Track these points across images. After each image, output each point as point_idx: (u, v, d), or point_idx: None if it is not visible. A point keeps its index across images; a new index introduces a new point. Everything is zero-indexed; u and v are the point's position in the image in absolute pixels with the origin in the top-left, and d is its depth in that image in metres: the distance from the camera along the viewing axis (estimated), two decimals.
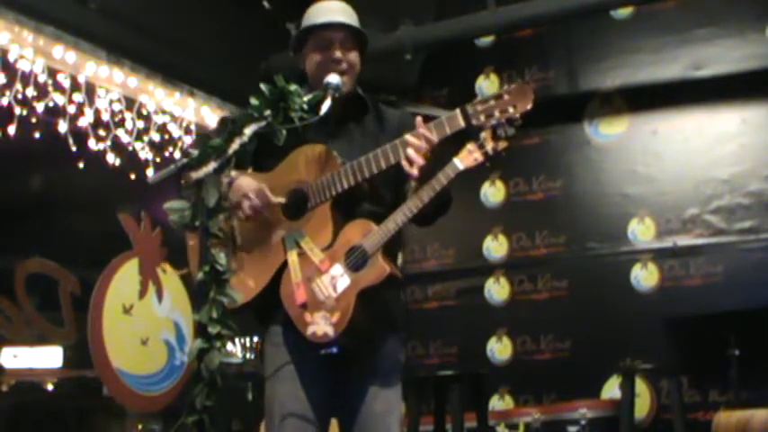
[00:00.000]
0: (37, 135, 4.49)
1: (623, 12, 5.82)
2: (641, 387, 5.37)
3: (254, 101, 2.61)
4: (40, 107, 4.47)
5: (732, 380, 4.61)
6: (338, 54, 2.82)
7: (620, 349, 5.49)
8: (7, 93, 4.34)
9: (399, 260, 3.08)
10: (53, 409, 5.43)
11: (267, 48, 5.67)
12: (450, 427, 4.99)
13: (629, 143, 5.87)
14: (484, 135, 2.67)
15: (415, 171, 2.63)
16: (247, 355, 6.42)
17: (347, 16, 2.88)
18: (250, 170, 2.81)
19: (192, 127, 5.31)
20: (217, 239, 2.55)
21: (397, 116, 2.96)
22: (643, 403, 5.44)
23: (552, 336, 5.87)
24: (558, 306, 5.89)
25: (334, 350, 2.69)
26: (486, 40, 6.22)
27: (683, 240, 5.63)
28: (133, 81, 4.95)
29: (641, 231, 5.75)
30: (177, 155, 5.14)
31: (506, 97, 2.59)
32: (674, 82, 5.75)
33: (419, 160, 2.62)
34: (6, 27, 4.32)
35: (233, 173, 2.70)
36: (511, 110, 2.58)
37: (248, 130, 2.57)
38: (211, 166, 2.51)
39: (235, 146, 2.55)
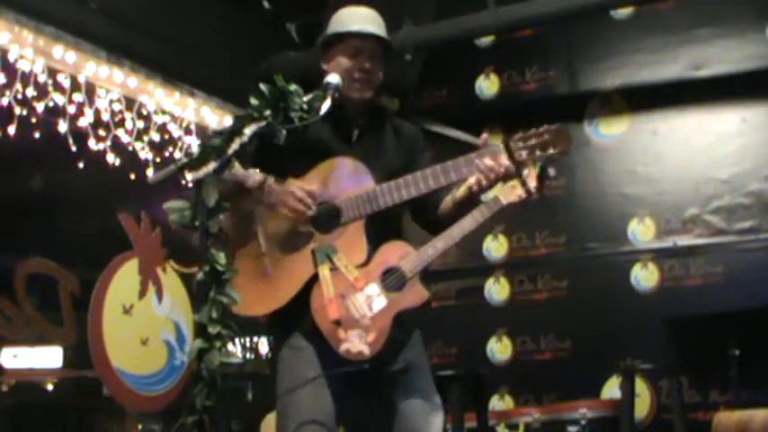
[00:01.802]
0: (37, 135, 4.48)
1: (623, 12, 5.82)
2: (641, 387, 5.37)
3: (254, 101, 2.61)
4: (40, 107, 4.47)
5: (732, 380, 4.61)
6: (368, 65, 2.83)
7: (620, 349, 5.49)
8: (7, 93, 4.33)
9: None
10: (53, 409, 5.43)
11: (267, 48, 5.66)
12: (450, 427, 4.99)
13: (629, 143, 5.87)
14: (527, 172, 2.71)
15: (476, 187, 2.69)
16: (247, 355, 6.42)
17: (379, 27, 2.88)
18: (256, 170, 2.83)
19: (192, 127, 5.31)
20: (217, 239, 2.55)
21: (410, 131, 3.00)
22: (643, 403, 5.44)
23: (552, 336, 5.87)
24: (558, 306, 5.89)
25: (366, 366, 2.69)
26: (486, 40, 6.22)
27: (683, 240, 5.63)
28: (133, 81, 4.94)
29: (641, 231, 5.75)
30: (177, 155, 5.14)
31: (546, 137, 2.63)
32: (674, 82, 5.75)
33: (491, 175, 2.65)
34: (6, 27, 4.32)
35: (258, 176, 2.72)
36: (551, 150, 2.63)
37: (248, 130, 2.57)
38: (211, 166, 2.50)
39: (235, 146, 2.55)
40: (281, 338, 2.82)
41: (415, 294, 2.71)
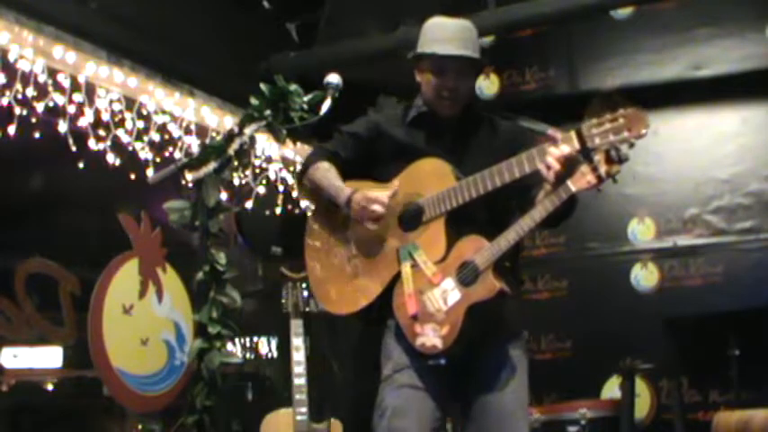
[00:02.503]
0: (37, 135, 4.48)
1: (623, 12, 5.80)
2: (641, 387, 5.37)
3: (254, 101, 2.62)
4: (40, 107, 4.46)
5: (732, 380, 4.62)
6: (452, 84, 2.87)
7: (620, 349, 5.49)
8: (7, 93, 4.32)
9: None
10: (53, 409, 5.42)
11: (267, 48, 5.66)
12: (450, 426, 4.98)
13: None
14: (598, 158, 2.65)
15: (551, 175, 2.64)
16: (247, 355, 6.41)
17: (466, 42, 2.89)
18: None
19: (192, 127, 5.30)
20: (216, 239, 2.55)
21: (509, 129, 3.01)
22: (643, 403, 5.44)
23: (552, 336, 5.87)
24: (558, 306, 5.89)
25: (442, 361, 2.75)
26: (486, 40, 6.21)
27: (683, 240, 5.63)
28: (133, 81, 4.93)
29: (641, 231, 5.75)
30: (177, 155, 5.14)
31: (621, 120, 2.57)
32: (674, 82, 5.75)
33: (556, 166, 2.62)
34: (6, 27, 4.31)
35: (348, 189, 2.83)
36: (626, 133, 2.56)
37: (248, 130, 2.57)
38: (211, 166, 2.51)
39: (235, 146, 2.55)
40: (371, 335, 2.93)
41: (486, 287, 2.71)
